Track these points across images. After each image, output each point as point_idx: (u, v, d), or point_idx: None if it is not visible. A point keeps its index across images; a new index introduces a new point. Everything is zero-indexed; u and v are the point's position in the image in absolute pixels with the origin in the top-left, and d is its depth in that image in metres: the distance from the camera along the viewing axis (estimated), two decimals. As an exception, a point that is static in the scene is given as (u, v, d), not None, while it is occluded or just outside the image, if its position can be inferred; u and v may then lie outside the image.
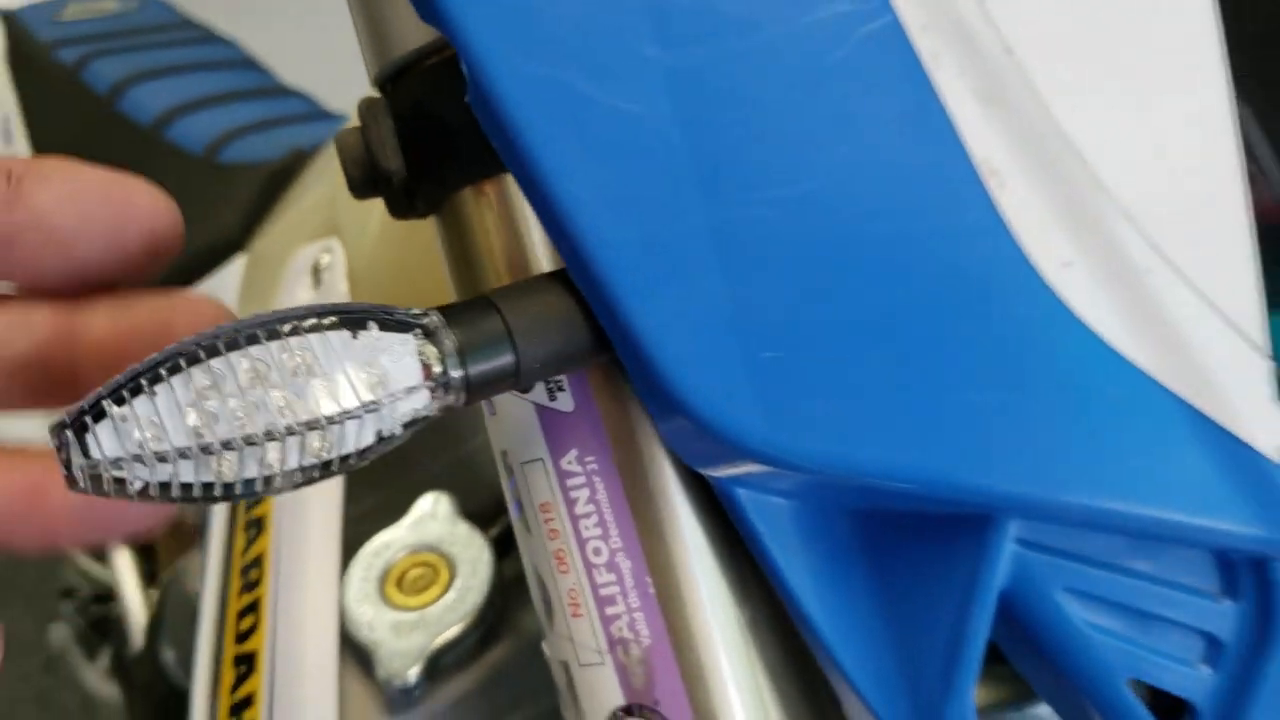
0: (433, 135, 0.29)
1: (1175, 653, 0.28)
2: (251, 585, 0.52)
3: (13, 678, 1.87)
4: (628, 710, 0.30)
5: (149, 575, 0.87)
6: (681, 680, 0.30)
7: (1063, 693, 0.29)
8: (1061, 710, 0.30)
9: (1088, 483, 0.26)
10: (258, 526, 0.54)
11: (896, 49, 0.25)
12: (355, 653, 0.46)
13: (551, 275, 0.27)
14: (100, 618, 1.12)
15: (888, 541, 0.29)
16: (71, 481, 0.22)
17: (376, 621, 0.45)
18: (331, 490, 0.52)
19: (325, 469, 0.24)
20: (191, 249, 0.84)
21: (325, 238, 0.66)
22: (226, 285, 0.79)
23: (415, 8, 0.25)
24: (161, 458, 0.22)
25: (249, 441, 0.23)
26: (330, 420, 0.23)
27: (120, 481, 0.22)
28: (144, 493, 0.23)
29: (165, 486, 0.23)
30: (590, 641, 0.31)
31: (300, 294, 0.64)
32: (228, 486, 0.23)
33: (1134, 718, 0.28)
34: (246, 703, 0.48)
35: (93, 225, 0.27)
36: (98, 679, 1.07)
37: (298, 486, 0.24)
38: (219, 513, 0.59)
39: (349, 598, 0.46)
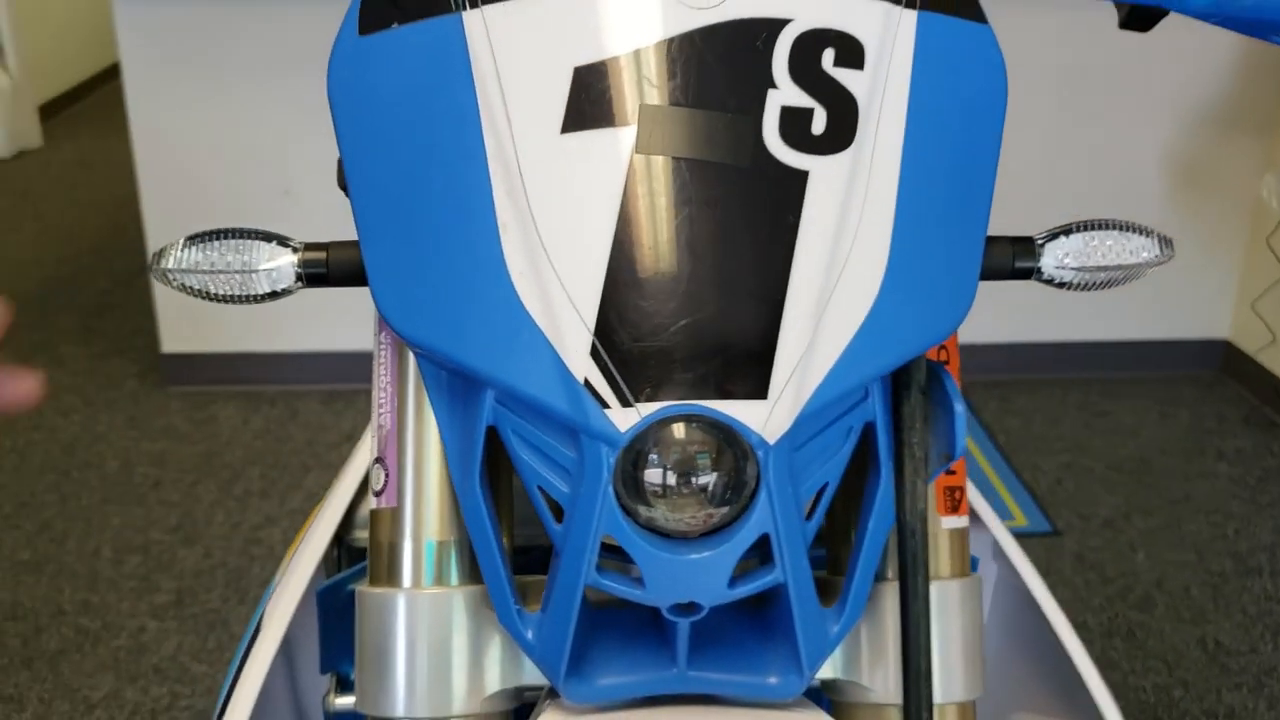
0: None
1: (557, 477, 0.56)
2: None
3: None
4: (377, 459, 0.64)
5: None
6: (393, 447, 0.63)
7: None
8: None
9: (504, 374, 0.55)
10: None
11: (482, 171, 0.56)
12: None
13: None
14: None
15: (470, 389, 0.60)
16: (151, 273, 0.61)
17: None
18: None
19: (253, 298, 0.61)
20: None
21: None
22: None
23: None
24: (185, 273, 0.60)
25: (217, 272, 0.60)
26: (249, 271, 0.60)
27: (168, 280, 0.61)
28: (178, 286, 0.61)
29: (185, 286, 0.61)
30: (375, 423, 0.65)
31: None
32: (210, 294, 0.61)
33: (540, 507, 0.57)
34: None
35: None
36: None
37: (242, 303, 0.61)
38: None
39: None
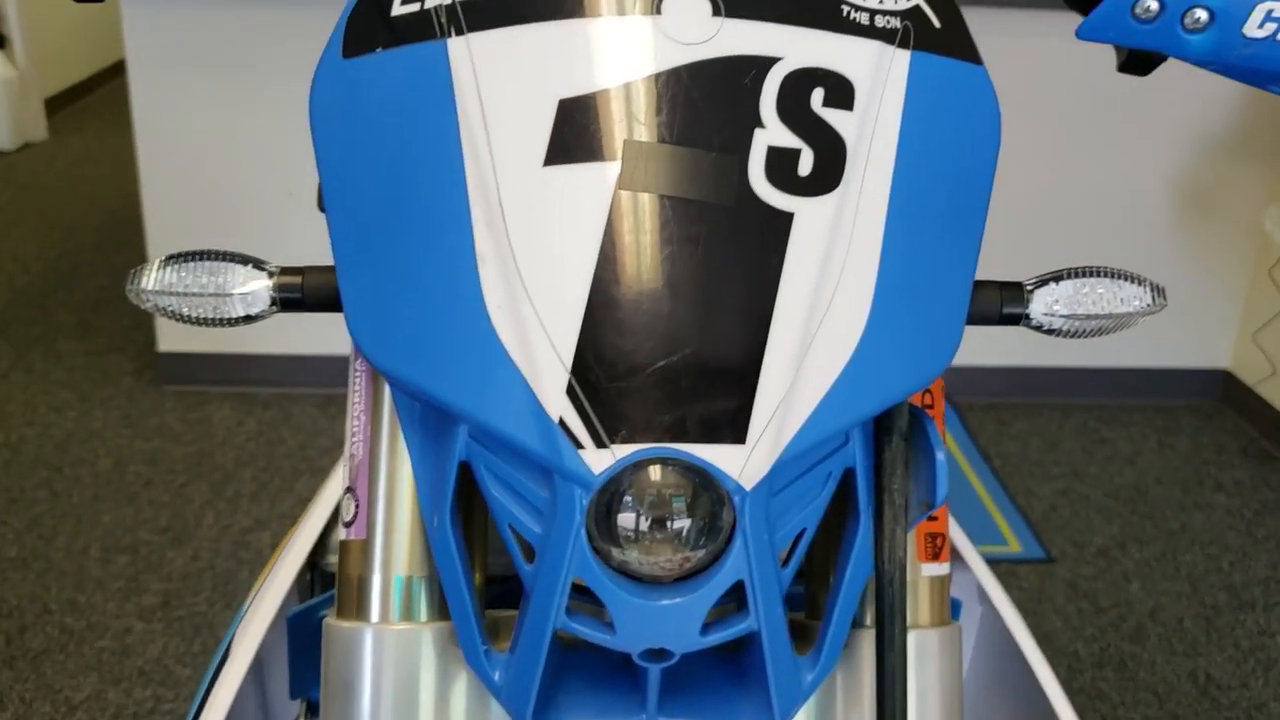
0: None
1: (529, 516, 0.55)
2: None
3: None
4: (348, 489, 0.63)
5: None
6: (364, 478, 0.62)
7: None
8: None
9: (477, 410, 0.54)
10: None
11: (462, 202, 0.55)
12: None
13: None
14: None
15: (444, 423, 0.58)
16: (127, 292, 0.60)
17: None
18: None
19: (226, 322, 0.60)
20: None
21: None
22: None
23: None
24: (159, 294, 0.59)
25: (192, 295, 0.59)
26: (224, 295, 0.59)
27: (143, 300, 0.59)
28: (152, 307, 0.60)
29: (159, 307, 0.60)
30: (347, 452, 0.63)
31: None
32: (185, 316, 0.60)
33: (511, 546, 0.55)
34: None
35: None
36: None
37: (217, 326, 0.60)
38: None
39: None
